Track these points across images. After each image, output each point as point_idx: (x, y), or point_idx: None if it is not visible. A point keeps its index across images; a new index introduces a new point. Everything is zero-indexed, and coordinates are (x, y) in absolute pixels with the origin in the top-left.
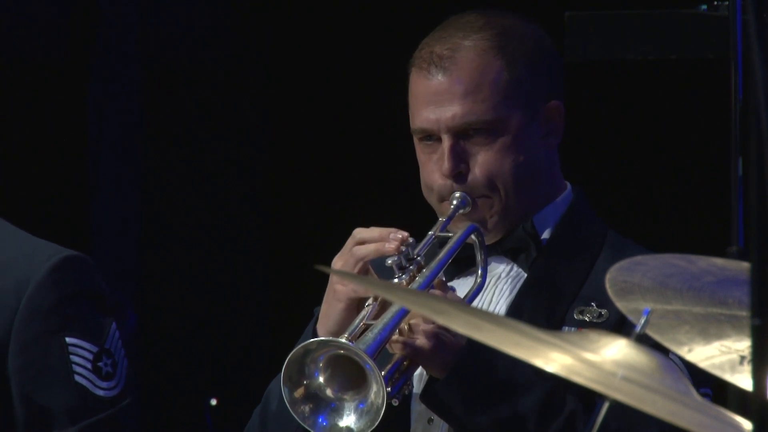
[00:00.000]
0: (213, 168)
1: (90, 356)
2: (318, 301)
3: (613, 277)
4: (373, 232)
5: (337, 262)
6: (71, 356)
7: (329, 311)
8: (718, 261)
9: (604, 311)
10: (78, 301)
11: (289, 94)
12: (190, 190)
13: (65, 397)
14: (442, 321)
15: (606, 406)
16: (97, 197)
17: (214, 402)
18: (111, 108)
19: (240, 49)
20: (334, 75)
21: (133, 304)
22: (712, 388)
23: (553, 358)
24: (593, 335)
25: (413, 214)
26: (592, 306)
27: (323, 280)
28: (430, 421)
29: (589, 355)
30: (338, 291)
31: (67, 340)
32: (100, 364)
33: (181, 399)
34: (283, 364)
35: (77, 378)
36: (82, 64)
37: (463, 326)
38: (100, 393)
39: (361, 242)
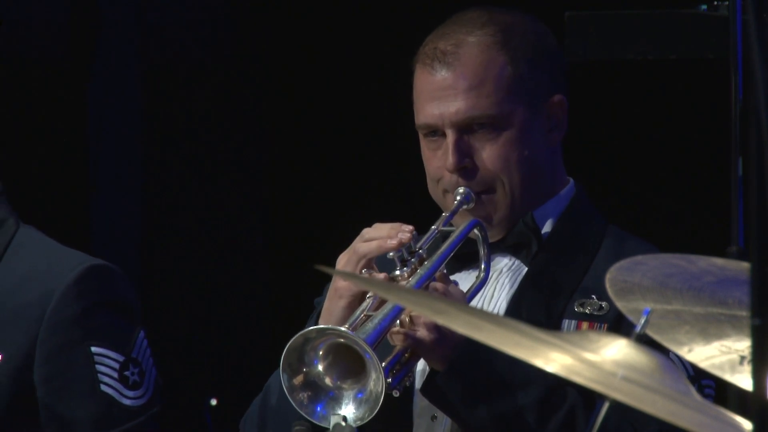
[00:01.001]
0: (213, 168)
1: (116, 365)
2: None
3: (613, 277)
4: (380, 230)
5: (341, 259)
6: (97, 365)
7: (332, 308)
8: (718, 261)
9: (604, 304)
10: (103, 310)
11: (289, 94)
12: (191, 189)
13: (91, 407)
14: (442, 321)
15: (606, 406)
16: (97, 197)
17: (214, 402)
18: (111, 108)
19: (240, 49)
20: (334, 73)
21: None
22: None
23: (553, 358)
24: (593, 335)
25: (416, 210)
26: (593, 298)
27: (323, 280)
28: (433, 418)
29: (589, 355)
30: (340, 288)
31: (93, 349)
32: (126, 373)
33: (181, 399)
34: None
35: (103, 387)
36: (82, 64)
37: (463, 326)
38: (127, 402)
39: (368, 240)
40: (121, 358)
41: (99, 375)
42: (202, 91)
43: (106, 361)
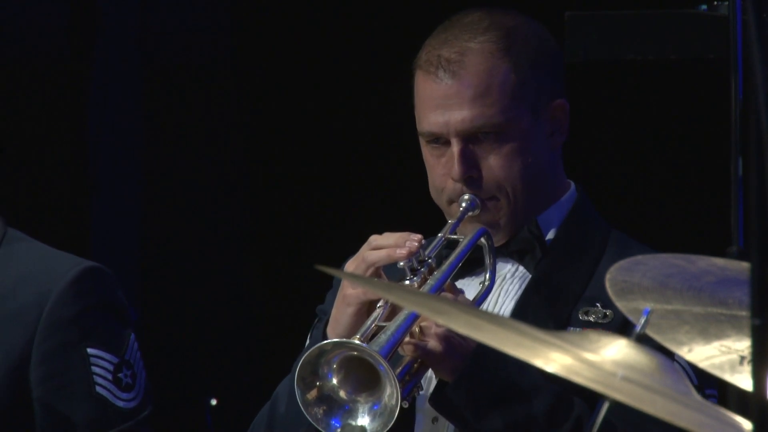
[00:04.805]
0: (213, 168)
1: (111, 367)
2: (318, 301)
3: (613, 277)
4: (389, 238)
5: (349, 267)
6: (92, 367)
7: (339, 316)
8: (718, 261)
9: (608, 311)
10: (99, 312)
11: (288, 95)
12: (191, 189)
13: (86, 408)
14: (442, 321)
15: (606, 406)
16: (97, 197)
17: (214, 402)
18: (111, 108)
19: (240, 49)
20: (332, 75)
21: (133, 303)
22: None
23: (553, 358)
24: (593, 335)
25: (414, 215)
26: (597, 306)
27: (324, 280)
28: (434, 420)
29: (589, 355)
30: (348, 295)
31: (89, 351)
32: (120, 375)
33: (181, 399)
34: (291, 365)
35: (98, 389)
36: (82, 64)
37: (463, 327)
38: (121, 404)
39: (376, 248)
40: (115, 360)
41: (94, 377)
42: (202, 91)
43: (101, 362)
